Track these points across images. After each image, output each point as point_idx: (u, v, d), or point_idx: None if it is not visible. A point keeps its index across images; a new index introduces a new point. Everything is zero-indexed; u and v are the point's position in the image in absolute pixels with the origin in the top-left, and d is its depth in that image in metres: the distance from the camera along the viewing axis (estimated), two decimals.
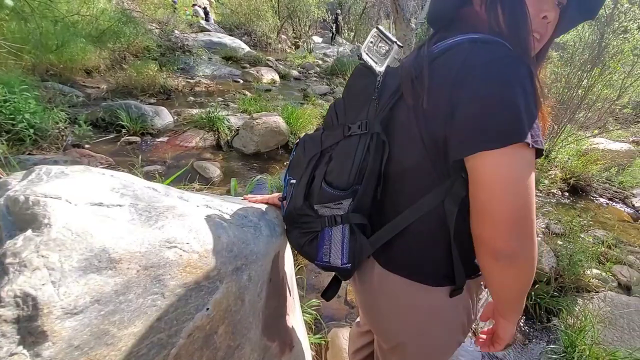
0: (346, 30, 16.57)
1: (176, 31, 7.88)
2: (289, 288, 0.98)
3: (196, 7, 13.66)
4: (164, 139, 3.73)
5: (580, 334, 1.78)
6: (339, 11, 15.44)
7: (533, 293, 2.13)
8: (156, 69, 5.52)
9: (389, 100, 0.63)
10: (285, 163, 3.58)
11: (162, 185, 0.67)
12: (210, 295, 0.57)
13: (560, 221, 2.92)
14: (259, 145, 3.58)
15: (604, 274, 2.45)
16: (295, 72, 8.66)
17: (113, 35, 5.62)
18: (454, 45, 0.56)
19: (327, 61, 10.57)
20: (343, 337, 1.61)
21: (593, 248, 2.66)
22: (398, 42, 0.65)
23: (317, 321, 1.69)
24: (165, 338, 0.51)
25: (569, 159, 4.09)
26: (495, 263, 0.53)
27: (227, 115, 4.11)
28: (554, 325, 1.99)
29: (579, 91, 4.76)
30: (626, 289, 2.41)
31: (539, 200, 3.45)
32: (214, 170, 3.14)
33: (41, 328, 0.40)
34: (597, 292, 2.21)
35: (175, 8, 10.54)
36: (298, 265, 1.88)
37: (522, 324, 2.04)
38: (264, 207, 0.90)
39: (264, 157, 3.63)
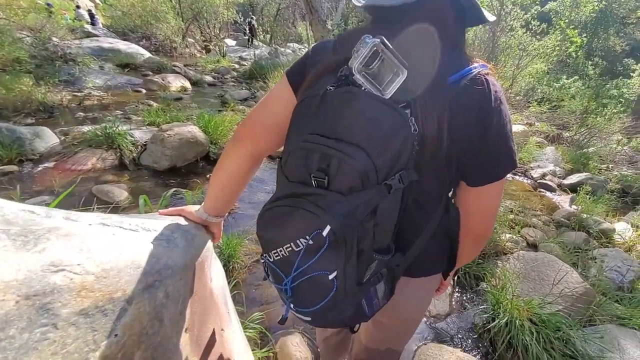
0: (262, 32, 16.62)
1: (54, 38, 6.93)
2: (220, 302, 0.96)
3: (80, 10, 12.23)
4: (49, 164, 3.25)
5: (502, 291, 2.10)
6: (253, 16, 15.44)
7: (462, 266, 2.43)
8: (31, 83, 4.79)
9: (421, 144, 0.59)
10: (207, 176, 3.43)
11: (42, 207, 0.60)
12: (118, 320, 0.54)
13: None
14: (174, 159, 3.37)
15: (515, 237, 2.93)
16: (209, 78, 8.37)
17: None
18: (470, 80, 0.60)
19: (244, 65, 10.47)
20: (292, 344, 1.63)
21: (504, 216, 3.16)
22: (405, 64, 0.54)
23: (262, 335, 1.67)
24: None
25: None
26: (476, 244, 0.78)
27: (130, 129, 3.78)
28: (482, 288, 2.32)
29: None
30: (533, 246, 2.93)
31: None
32: (120, 192, 2.85)
33: None
34: (512, 253, 2.64)
35: (50, 12, 9.27)
36: (234, 280, 1.83)
37: (457, 294, 2.32)
38: (180, 219, 0.87)
39: (182, 172, 3.42)
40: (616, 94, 7.05)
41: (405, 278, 0.77)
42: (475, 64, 0.62)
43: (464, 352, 1.86)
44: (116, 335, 0.53)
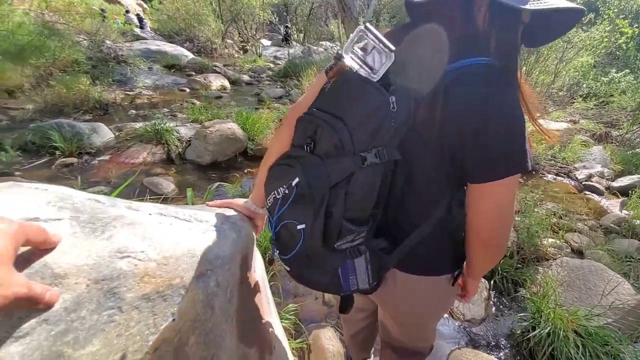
0: (295, 32, 16.74)
1: (107, 41, 7.42)
2: (262, 292, 0.97)
3: (129, 15, 12.98)
4: (105, 157, 3.48)
5: (544, 299, 1.95)
6: (288, 24, 15.62)
7: (500, 268, 2.30)
8: (88, 82, 5.15)
9: (405, 124, 0.60)
10: (246, 170, 3.51)
11: (106, 197, 0.63)
12: (174, 305, 0.55)
13: (517, 198, 3.18)
14: (215, 154, 3.48)
15: (558, 242, 2.72)
16: (246, 77, 8.57)
17: (35, 50, 5.15)
18: (471, 70, 0.59)
19: (279, 64, 10.60)
20: (324, 337, 1.62)
21: (547, 220, 2.94)
22: (393, 48, 0.57)
23: (296, 326, 1.69)
24: (130, 355, 0.48)
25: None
26: (485, 251, 0.71)
27: (176, 126, 3.95)
28: (521, 295, 2.17)
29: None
30: (579, 253, 2.71)
31: None
32: (168, 185, 2.99)
33: None
34: (555, 259, 2.45)
35: (104, 17, 9.92)
36: (271, 272, 1.86)
37: (493, 299, 2.20)
38: (228, 211, 0.88)
39: (222, 166, 3.54)
40: None
41: (402, 273, 0.78)
42: (480, 57, 0.59)
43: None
44: (174, 319, 0.55)
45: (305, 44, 14.25)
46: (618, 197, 3.96)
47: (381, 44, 0.57)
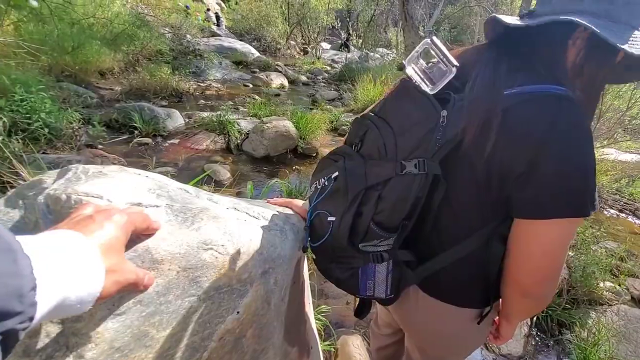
0: (354, 37, 16.68)
1: (188, 35, 8.00)
2: (307, 292, 0.97)
3: (209, 13, 13.85)
4: (175, 141, 3.77)
5: (593, 347, 1.74)
6: (349, 32, 15.63)
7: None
8: (169, 72, 5.60)
9: (452, 141, 0.56)
10: (294, 167, 3.58)
11: (193, 187, 0.67)
12: (241, 298, 0.57)
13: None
14: (269, 149, 3.60)
15: (617, 286, 2.40)
16: (303, 78, 8.73)
17: (127, 38, 5.72)
18: (537, 97, 0.52)
19: (335, 67, 10.65)
20: (352, 344, 1.59)
21: (606, 260, 2.60)
22: (456, 64, 0.55)
23: (326, 328, 1.68)
24: (199, 341, 0.50)
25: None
26: (523, 300, 0.64)
27: (238, 118, 4.15)
28: (567, 339, 1.95)
29: None
30: (639, 302, 2.36)
31: None
32: (224, 173, 3.16)
33: (85, 329, 0.40)
34: (611, 305, 2.17)
35: (188, 13, 10.71)
36: (309, 271, 1.87)
37: (534, 337, 2.00)
38: (287, 211, 0.89)
39: (273, 161, 3.64)
40: None
41: (424, 294, 0.73)
42: (553, 85, 0.52)
43: None
44: (238, 312, 0.57)
45: (363, 49, 14.14)
46: None
47: (445, 58, 0.56)
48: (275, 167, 3.53)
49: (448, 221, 0.65)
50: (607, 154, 5.03)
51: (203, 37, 9.39)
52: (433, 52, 0.56)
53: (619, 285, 2.44)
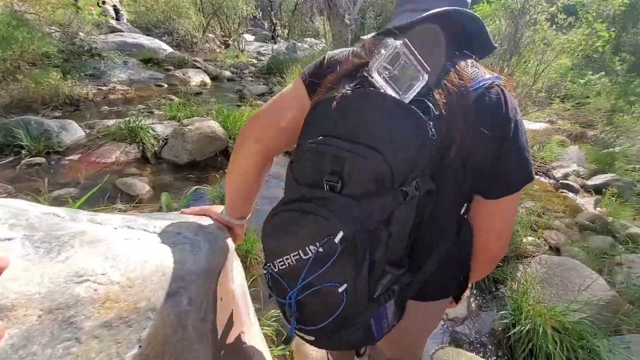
0: (279, 27, 16.54)
1: (81, 33, 7.09)
2: (241, 304, 0.93)
3: (105, 6, 12.45)
4: (75, 156, 3.32)
5: (523, 296, 2.01)
6: (272, 15, 15.42)
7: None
8: (59, 77, 4.90)
9: (441, 151, 0.56)
10: (226, 170, 3.42)
11: (67, 210, 0.58)
12: (141, 330, 0.51)
13: None
14: (194, 153, 3.39)
15: (537, 239, 2.80)
16: (227, 73, 8.40)
17: (1, 41, 4.84)
18: (490, 89, 0.59)
19: (262, 60, 10.45)
20: (307, 343, 1.60)
21: (526, 218, 3.03)
22: (428, 69, 0.53)
23: (279, 332, 1.66)
24: None
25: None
26: (491, 265, 0.76)
27: (152, 123, 3.82)
28: (501, 292, 2.23)
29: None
30: (556, 250, 2.80)
31: None
32: (142, 186, 2.88)
33: None
34: (534, 256, 2.53)
35: (78, 8, 9.47)
36: (251, 277, 1.82)
37: (475, 298, 2.24)
38: (203, 219, 0.84)
39: (201, 166, 3.44)
40: None
41: (413, 302, 0.72)
42: (491, 75, 0.60)
43: (483, 357, 1.79)
44: (140, 346, 0.51)
45: (290, 40, 14.11)
46: (592, 195, 4.13)
47: (417, 64, 0.52)
48: (204, 173, 3.34)
49: (432, 228, 0.65)
50: None
51: (100, 34, 8.41)
52: (404, 57, 0.51)
53: (539, 238, 2.87)
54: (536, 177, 4.52)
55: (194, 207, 0.91)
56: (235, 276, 0.92)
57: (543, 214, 3.33)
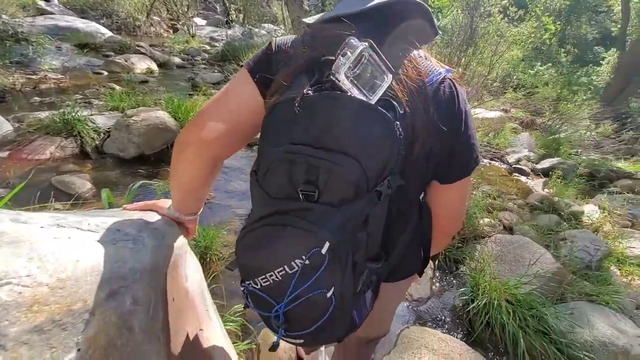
0: (234, 12, 15.93)
1: (4, 15, 6.32)
2: (198, 301, 0.92)
3: None
4: (3, 154, 2.99)
5: (481, 274, 2.18)
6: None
7: (443, 249, 2.52)
8: None
9: (406, 149, 0.58)
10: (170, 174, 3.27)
11: None
12: (78, 333, 0.49)
13: None
14: (142, 146, 3.19)
15: (492, 221, 3.03)
16: (177, 59, 7.98)
17: None
18: (444, 82, 0.63)
19: (216, 46, 10.05)
20: (273, 334, 1.61)
21: (483, 201, 3.26)
22: (392, 69, 0.54)
23: (244, 327, 1.66)
24: None
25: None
26: (447, 239, 0.86)
27: (91, 115, 3.54)
28: (462, 271, 2.40)
29: (459, 69, 5.73)
30: (510, 230, 3.05)
31: None
32: (82, 184, 2.67)
33: None
34: (490, 236, 2.74)
35: None
36: (212, 274, 1.79)
37: (437, 278, 2.40)
38: (150, 215, 0.81)
39: (151, 160, 3.25)
40: (586, 81, 7.38)
41: (384, 284, 0.78)
42: (442, 68, 0.65)
43: (445, 333, 1.93)
44: (79, 349, 0.48)
45: (246, 25, 13.67)
46: (541, 177, 4.54)
47: (382, 64, 0.53)
48: (154, 167, 3.16)
49: (400, 219, 0.70)
50: (477, 113, 6.20)
51: (27, 16, 7.57)
52: (368, 57, 0.52)
53: (494, 219, 3.10)
54: (492, 162, 4.89)
55: (138, 203, 0.87)
56: (190, 273, 0.90)
57: (498, 196, 3.60)
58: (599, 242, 2.80)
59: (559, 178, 4.20)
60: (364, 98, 0.52)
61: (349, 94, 0.52)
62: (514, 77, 8.58)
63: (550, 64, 8.34)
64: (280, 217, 0.56)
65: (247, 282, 0.61)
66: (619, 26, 10.21)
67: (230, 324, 1.60)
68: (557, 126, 6.57)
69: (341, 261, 0.54)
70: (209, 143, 0.66)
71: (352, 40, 0.51)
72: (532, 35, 6.08)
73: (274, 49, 0.67)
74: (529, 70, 8.49)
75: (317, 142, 0.53)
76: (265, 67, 0.65)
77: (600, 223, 3.32)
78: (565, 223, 3.22)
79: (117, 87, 4.96)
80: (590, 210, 3.54)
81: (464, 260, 2.49)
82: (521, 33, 6.02)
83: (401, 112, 0.56)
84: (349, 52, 0.51)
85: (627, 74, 8.75)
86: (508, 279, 2.16)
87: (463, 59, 5.73)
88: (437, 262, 2.48)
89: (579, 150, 5.98)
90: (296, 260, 0.54)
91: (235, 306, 1.68)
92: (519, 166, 4.80)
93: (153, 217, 0.80)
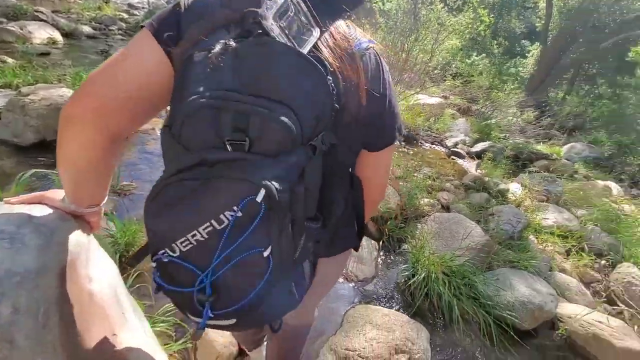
0: None
1: None
2: (109, 303, 0.82)
3: None
4: None
5: (421, 250, 2.35)
6: None
7: (387, 229, 2.66)
8: None
9: (336, 108, 0.58)
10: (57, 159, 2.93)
11: None
12: None
13: (399, 166, 3.67)
14: (42, 131, 2.75)
15: (432, 200, 3.27)
16: (87, 29, 7.11)
17: None
18: (369, 51, 0.65)
19: (136, 14, 9.14)
20: (210, 330, 1.55)
21: (423, 182, 3.49)
22: (319, 22, 0.55)
23: (177, 327, 1.58)
24: None
25: (401, 114, 5.13)
26: (375, 206, 0.86)
27: None
28: (404, 250, 2.56)
29: (403, 55, 5.96)
30: (447, 208, 3.32)
31: None
32: None
33: None
34: (429, 215, 2.94)
35: None
36: (136, 272, 1.65)
37: (382, 258, 2.54)
38: (37, 208, 0.69)
39: (53, 147, 2.85)
40: (514, 72, 8.22)
41: (321, 259, 0.79)
42: (365, 37, 0.66)
43: (389, 308, 2.05)
44: None
45: None
46: (475, 159, 5.00)
47: (310, 15, 0.54)
48: None
49: (332, 183, 0.68)
50: (419, 99, 6.56)
51: None
52: (294, 8, 0.53)
53: (433, 199, 3.34)
54: (433, 146, 5.24)
55: (23, 195, 0.72)
56: (96, 273, 0.79)
57: (437, 178, 3.89)
58: (520, 215, 3.18)
59: (489, 160, 4.66)
60: (288, 42, 0.52)
61: (281, 41, 0.50)
62: (453, 65, 9.22)
63: (484, 55, 9.09)
64: (208, 169, 0.49)
65: (161, 252, 0.51)
66: (543, 22, 11.50)
67: (161, 324, 1.51)
68: (489, 113, 7.25)
69: (278, 214, 0.50)
70: (104, 116, 0.55)
71: None
72: (470, 25, 6.56)
73: (183, 6, 0.58)
74: (466, 60, 9.18)
75: (248, 89, 0.49)
76: (172, 24, 0.56)
77: (521, 198, 3.78)
78: (493, 200, 3.60)
79: (10, 60, 4.24)
80: (514, 188, 4.00)
81: (406, 239, 2.66)
82: (460, 23, 6.45)
83: (331, 70, 0.56)
84: (274, 2, 0.51)
85: (547, 67, 9.95)
86: (445, 253, 2.36)
87: (406, 45, 5.98)
88: (381, 242, 2.61)
89: (507, 135, 6.69)
90: (226, 213, 0.48)
91: (166, 305, 1.58)
92: (456, 149, 5.22)
93: (42, 211, 0.68)
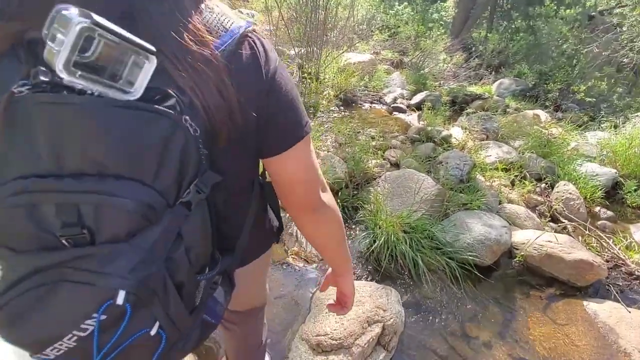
0: None
1: None
2: None
3: None
4: None
5: (377, 214, 2.34)
6: None
7: (339, 200, 2.59)
8: None
9: (209, 141, 0.49)
10: None
11: None
12: None
13: (341, 132, 3.60)
14: None
15: (379, 161, 3.27)
16: None
17: None
18: (241, 46, 0.51)
19: None
20: None
21: (367, 144, 3.47)
22: (153, 49, 0.40)
23: None
24: None
25: (334, 76, 4.98)
26: (312, 217, 0.68)
27: None
28: (361, 217, 2.53)
29: (321, 12, 5.75)
30: (396, 165, 3.34)
31: (322, 120, 4.11)
32: None
33: None
34: (380, 176, 2.94)
35: None
36: None
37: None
38: None
39: None
40: (437, 17, 8.36)
41: (239, 270, 0.74)
42: (239, 24, 0.52)
43: (357, 280, 2.02)
44: None
45: None
46: (415, 111, 5.08)
47: (133, 43, 0.39)
48: None
49: (232, 208, 0.64)
50: (349, 58, 6.47)
51: None
52: (104, 39, 0.36)
53: (381, 158, 3.35)
54: (372, 105, 5.24)
55: None
56: None
57: (382, 137, 3.89)
58: (466, 157, 3.31)
59: (429, 109, 4.76)
60: (118, 95, 0.39)
61: (94, 94, 0.38)
62: (378, 18, 9.18)
63: (406, 3, 9.14)
64: (46, 274, 0.41)
65: (35, 357, 0.45)
66: None
67: None
68: (421, 63, 7.37)
69: (153, 299, 0.45)
70: None
71: (63, 11, 0.35)
72: None
73: None
74: (390, 11, 9.18)
75: (60, 168, 0.40)
76: None
77: (464, 141, 3.94)
78: (439, 148, 3.70)
79: None
80: (456, 132, 4.15)
81: (361, 206, 2.63)
82: None
83: (186, 101, 0.44)
84: (60, 36, 0.35)
85: (467, 8, 10.29)
86: (402, 211, 2.38)
87: (322, 1, 5.77)
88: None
89: (441, 82, 6.88)
90: (86, 322, 0.42)
91: None
92: (397, 104, 5.27)
93: None
